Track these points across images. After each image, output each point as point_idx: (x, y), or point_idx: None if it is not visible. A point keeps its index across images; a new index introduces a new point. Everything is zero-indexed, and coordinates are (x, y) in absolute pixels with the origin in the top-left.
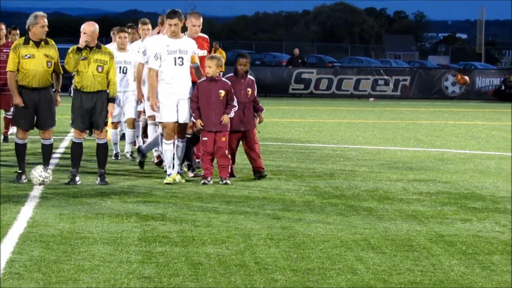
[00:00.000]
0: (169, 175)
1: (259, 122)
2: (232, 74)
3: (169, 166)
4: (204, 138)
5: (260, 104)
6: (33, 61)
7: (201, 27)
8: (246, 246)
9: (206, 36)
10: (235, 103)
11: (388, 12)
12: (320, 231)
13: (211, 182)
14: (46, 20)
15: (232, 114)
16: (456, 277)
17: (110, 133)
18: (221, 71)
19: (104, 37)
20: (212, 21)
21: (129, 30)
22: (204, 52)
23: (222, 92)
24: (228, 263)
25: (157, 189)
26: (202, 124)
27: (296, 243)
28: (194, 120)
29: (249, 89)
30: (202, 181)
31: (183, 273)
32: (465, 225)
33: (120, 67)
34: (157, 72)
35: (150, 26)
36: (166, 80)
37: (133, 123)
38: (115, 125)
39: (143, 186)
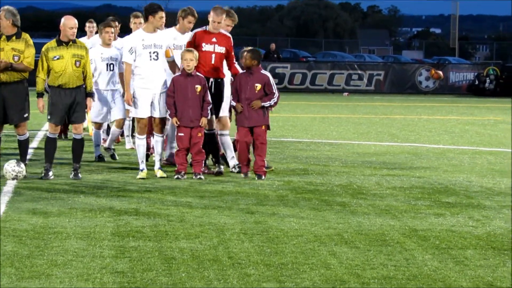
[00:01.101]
0: (141, 170)
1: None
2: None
3: (142, 161)
4: (180, 134)
5: (271, 96)
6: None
7: (221, 24)
8: (219, 241)
9: (229, 34)
10: (209, 98)
11: (362, 6)
12: (294, 225)
13: (185, 177)
14: None
15: (209, 115)
16: (430, 271)
17: (93, 133)
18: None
19: (79, 31)
20: None
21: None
22: (222, 49)
23: (198, 87)
24: (201, 258)
25: (130, 184)
26: (178, 122)
27: (270, 238)
28: (169, 117)
29: (258, 84)
30: (176, 176)
31: (156, 267)
32: (439, 219)
33: (107, 64)
34: (131, 66)
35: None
36: (141, 75)
37: (121, 124)
38: (99, 125)
39: (116, 181)
